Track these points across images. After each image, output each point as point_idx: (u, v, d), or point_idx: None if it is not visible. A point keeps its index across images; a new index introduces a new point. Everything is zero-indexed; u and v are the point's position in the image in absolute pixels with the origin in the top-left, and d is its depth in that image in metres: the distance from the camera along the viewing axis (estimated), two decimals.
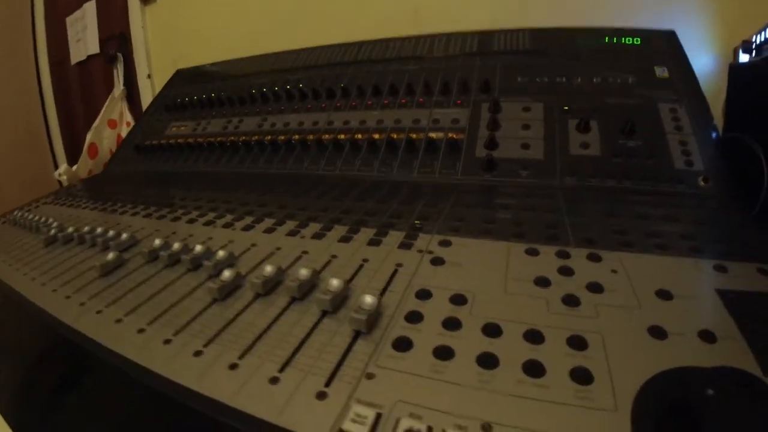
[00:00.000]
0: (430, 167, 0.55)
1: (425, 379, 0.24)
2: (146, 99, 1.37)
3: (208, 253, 0.41)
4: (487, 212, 0.44)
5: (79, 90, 1.68)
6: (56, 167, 1.87)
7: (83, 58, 1.57)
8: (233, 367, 0.27)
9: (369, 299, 0.29)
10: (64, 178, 1.13)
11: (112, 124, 1.34)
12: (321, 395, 0.24)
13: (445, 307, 0.29)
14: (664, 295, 0.30)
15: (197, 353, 0.29)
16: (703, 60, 0.67)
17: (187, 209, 0.56)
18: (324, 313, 0.31)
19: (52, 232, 0.55)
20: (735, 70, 0.60)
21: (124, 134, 1.35)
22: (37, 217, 0.64)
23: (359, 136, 0.62)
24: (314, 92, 0.74)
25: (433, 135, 0.58)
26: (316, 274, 0.34)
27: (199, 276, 0.39)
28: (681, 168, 0.49)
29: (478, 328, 0.27)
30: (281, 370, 0.26)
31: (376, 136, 0.61)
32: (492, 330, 0.27)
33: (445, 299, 0.30)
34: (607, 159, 0.50)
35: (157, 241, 0.45)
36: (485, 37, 0.71)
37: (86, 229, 0.52)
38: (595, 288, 0.31)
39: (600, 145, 0.51)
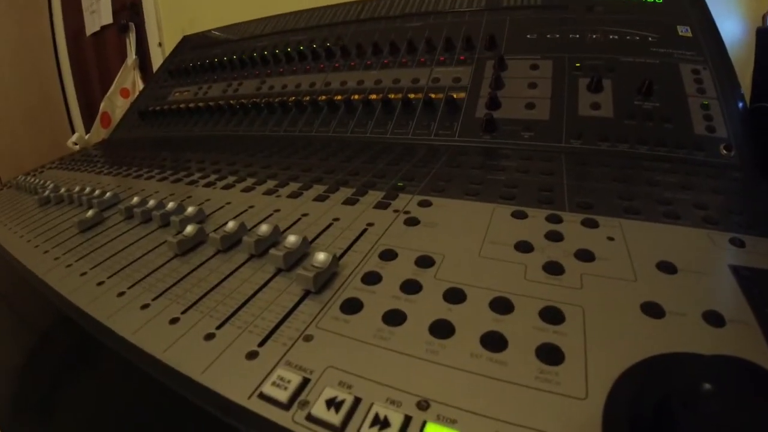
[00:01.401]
0: (426, 128, 0.51)
1: (366, 345, 0.21)
2: (158, 67, 1.36)
3: (179, 209, 0.39)
4: (479, 173, 0.40)
5: (95, 60, 1.69)
6: (72, 131, 1.91)
7: (97, 29, 1.57)
8: (174, 321, 0.25)
9: (321, 257, 0.26)
10: (76, 146, 1.14)
11: (124, 93, 1.34)
12: (251, 355, 0.21)
13: (408, 269, 0.26)
14: (666, 267, 0.25)
15: (144, 306, 0.28)
16: (730, 25, 0.60)
17: (176, 170, 0.54)
18: (278, 271, 0.28)
19: (47, 193, 0.55)
20: (764, 34, 0.53)
21: None
22: (37, 181, 0.64)
23: (355, 96, 0.58)
24: (313, 53, 0.70)
25: (432, 95, 0.53)
26: (278, 232, 0.32)
27: (169, 232, 0.37)
28: (701, 134, 0.43)
29: (439, 293, 0.24)
30: (219, 326, 0.24)
31: (373, 96, 0.57)
32: (454, 295, 0.24)
33: (411, 261, 0.27)
34: (620, 121, 0.45)
35: (135, 199, 0.43)
36: None
37: (76, 189, 0.51)
38: (584, 256, 0.27)
39: (613, 106, 0.46)
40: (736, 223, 0.30)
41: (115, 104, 1.31)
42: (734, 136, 0.43)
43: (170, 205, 0.39)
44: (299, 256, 0.29)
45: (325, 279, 0.26)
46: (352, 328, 0.22)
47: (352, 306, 0.24)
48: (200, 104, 0.75)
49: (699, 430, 0.15)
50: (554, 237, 0.29)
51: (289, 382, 0.19)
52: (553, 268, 0.26)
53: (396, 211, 0.34)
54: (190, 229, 0.33)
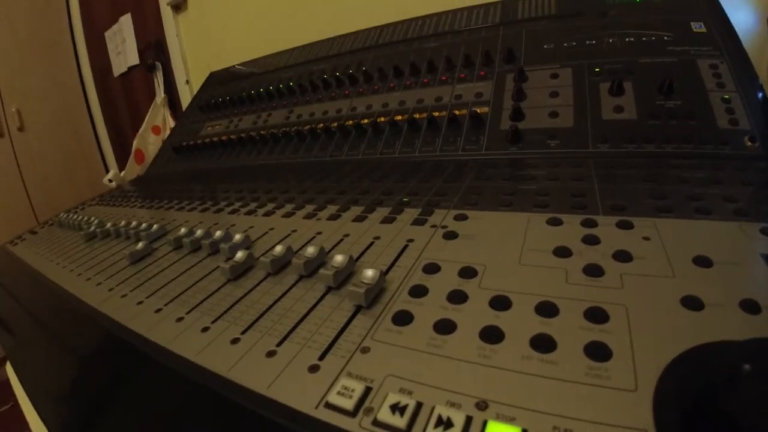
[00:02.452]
0: (453, 144, 0.52)
1: (421, 354, 0.22)
2: (186, 104, 1.41)
3: (227, 237, 0.41)
4: (509, 184, 0.41)
5: (124, 99, 1.78)
6: (107, 171, 2.00)
7: (124, 70, 1.65)
8: (235, 341, 0.27)
9: (370, 273, 0.27)
10: (113, 183, 1.20)
11: (156, 131, 1.41)
12: (313, 368, 0.23)
13: (452, 281, 0.27)
14: (702, 262, 0.26)
15: (204, 329, 0.29)
16: (741, 15, 0.59)
17: (216, 201, 0.57)
18: (328, 289, 0.30)
19: (92, 228, 0.58)
20: None
21: None
22: (80, 217, 0.67)
23: (381, 119, 0.60)
24: (337, 80, 0.73)
25: (456, 111, 0.55)
26: (324, 252, 0.33)
27: (218, 260, 0.39)
28: (725, 128, 0.44)
29: (485, 301, 0.25)
30: (279, 344, 0.26)
31: (398, 117, 0.59)
32: (500, 303, 0.25)
33: (454, 273, 0.28)
34: (644, 122, 0.46)
35: (183, 230, 0.46)
36: (509, 5, 0.67)
37: (122, 223, 0.55)
38: (622, 257, 0.27)
39: (636, 107, 0.47)
40: (766, 214, 0.30)
41: (148, 141, 1.37)
42: (757, 127, 0.43)
43: (217, 233, 0.42)
44: (347, 274, 0.30)
45: (375, 294, 0.27)
46: (405, 338, 0.23)
47: (403, 318, 0.25)
48: (232, 136, 0.79)
49: (744, 410, 0.15)
50: (591, 241, 0.30)
51: (353, 390, 0.20)
52: (593, 271, 0.26)
53: (434, 226, 0.35)
54: (240, 255, 0.35)
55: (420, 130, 0.56)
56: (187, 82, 1.39)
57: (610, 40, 0.53)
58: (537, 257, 0.29)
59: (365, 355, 0.23)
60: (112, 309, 0.36)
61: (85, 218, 0.65)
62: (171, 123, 1.42)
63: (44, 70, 1.91)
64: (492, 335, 0.23)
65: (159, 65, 1.45)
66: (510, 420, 0.18)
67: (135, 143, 1.34)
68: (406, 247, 0.33)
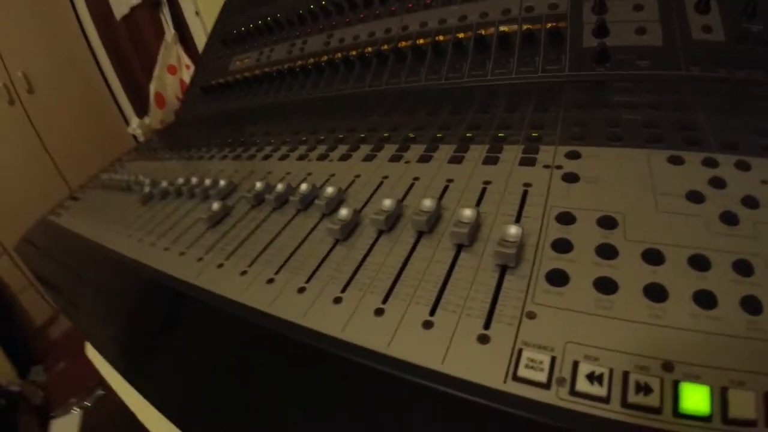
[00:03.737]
0: (531, 65, 0.49)
1: (592, 317, 0.23)
2: (199, 38, 1.33)
3: (315, 190, 0.40)
4: (611, 113, 0.39)
5: (130, 43, 1.67)
6: (126, 121, 1.96)
7: (126, 11, 1.52)
8: (379, 312, 0.27)
9: (513, 230, 0.27)
10: (138, 132, 1.17)
11: (172, 70, 1.33)
12: (483, 338, 0.23)
13: (595, 232, 0.27)
14: None
15: (336, 300, 0.29)
16: None
17: (277, 146, 0.55)
18: (460, 247, 0.30)
19: (147, 189, 0.55)
20: None
21: (186, 78, 1.36)
22: (126, 177, 0.64)
23: (441, 38, 0.56)
24: None
25: (528, 26, 0.51)
26: (439, 205, 0.33)
27: (311, 216, 0.39)
28: None
29: (638, 255, 0.25)
30: (432, 313, 0.26)
31: (461, 35, 0.55)
32: (653, 256, 0.25)
33: (593, 222, 0.28)
34: (732, 45, 0.42)
35: (259, 184, 0.44)
36: None
37: (181, 181, 0.53)
38: (750, 203, 0.27)
39: (723, 28, 0.43)
40: None
41: (166, 83, 1.31)
42: None
43: (303, 187, 0.40)
44: (476, 228, 0.30)
45: (520, 252, 0.27)
46: (568, 300, 0.24)
47: (558, 277, 0.25)
48: (266, 69, 0.74)
49: None
50: (718, 184, 0.29)
51: (541, 362, 0.21)
52: (729, 218, 0.27)
53: (547, 166, 0.34)
54: (344, 212, 0.35)
55: (489, 49, 0.53)
56: (197, 13, 1.28)
57: None
58: (673, 203, 0.28)
59: (533, 321, 0.23)
60: (213, 282, 0.36)
61: (133, 177, 0.63)
62: (186, 60, 1.34)
63: (43, 26, 1.80)
64: (656, 293, 0.23)
65: (164, 0, 1.33)
66: (696, 378, 0.20)
67: (153, 87, 1.27)
68: (526, 192, 0.32)
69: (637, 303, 0.23)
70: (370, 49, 0.62)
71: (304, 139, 0.54)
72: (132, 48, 1.68)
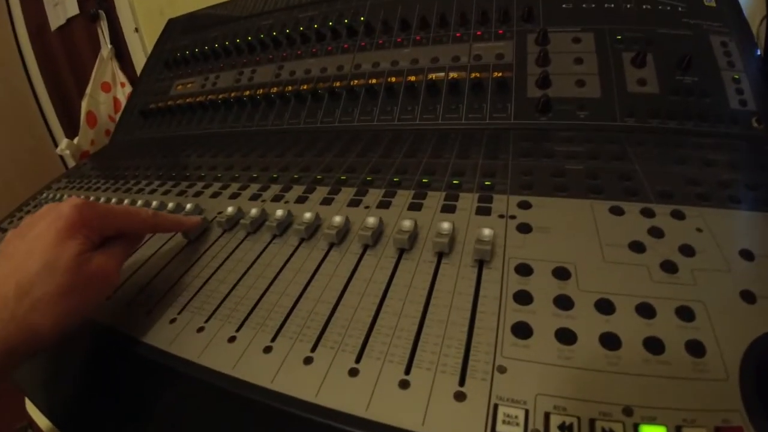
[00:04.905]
0: (478, 111, 0.53)
1: (557, 368, 0.25)
2: (137, 55, 1.29)
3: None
4: (555, 163, 0.43)
5: (64, 56, 1.57)
6: (53, 139, 1.83)
7: (63, 22, 1.44)
8: (354, 372, 0.27)
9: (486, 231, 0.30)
10: (67, 153, 1.09)
11: (105, 87, 1.27)
12: (459, 396, 0.24)
13: (551, 283, 0.30)
14: (746, 255, 0.31)
15: (307, 360, 0.29)
16: None
17: (217, 180, 0.55)
18: (429, 298, 0.31)
19: None
20: None
21: (120, 96, 1.29)
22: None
23: (392, 79, 0.59)
24: (333, 31, 0.68)
25: (477, 74, 0.55)
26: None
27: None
28: (736, 108, 0.48)
29: (591, 305, 0.28)
30: (407, 371, 0.26)
31: (412, 78, 0.58)
32: (605, 306, 0.28)
33: (548, 273, 0.31)
34: (666, 97, 0.48)
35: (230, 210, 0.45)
36: None
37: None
38: (687, 251, 0.31)
39: (657, 81, 0.49)
40: None
41: (99, 101, 1.24)
42: (762, 108, 0.47)
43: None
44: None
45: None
46: (534, 352, 0.26)
47: (523, 330, 0.27)
48: (211, 97, 0.73)
49: None
50: (657, 234, 0.33)
51: (516, 417, 0.23)
52: (669, 267, 0.30)
53: (501, 216, 0.37)
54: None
55: (440, 94, 0.56)
56: (137, 30, 1.24)
57: (628, 6, 0.54)
58: (617, 253, 0.32)
59: (504, 375, 0.25)
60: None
61: None
62: (121, 77, 1.28)
63: None
64: (611, 342, 0.26)
65: (102, 13, 1.27)
66: (652, 420, 0.22)
67: (85, 105, 1.20)
68: None
69: (595, 352, 0.25)
70: (322, 84, 0.64)
71: (255, 176, 0.53)
72: (66, 62, 1.58)
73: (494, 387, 0.24)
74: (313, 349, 0.29)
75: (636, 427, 0.22)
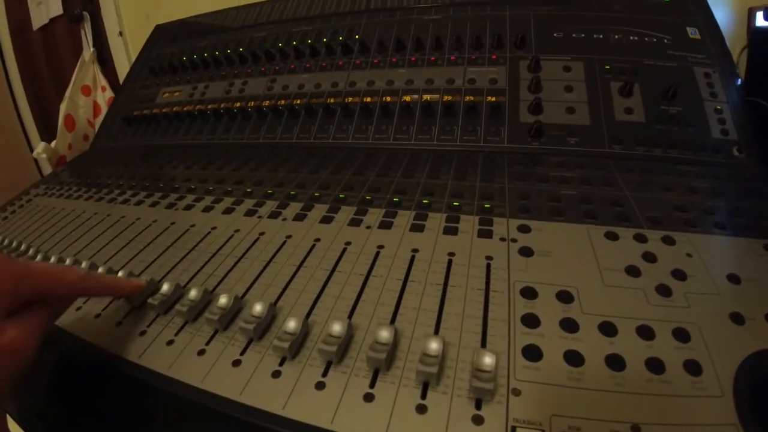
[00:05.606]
0: (474, 134, 0.55)
1: (567, 389, 0.26)
2: (119, 59, 1.28)
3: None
4: (550, 187, 0.45)
5: (44, 57, 1.54)
6: (28, 141, 1.77)
7: (46, 21, 1.42)
8: (369, 397, 0.28)
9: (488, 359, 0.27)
10: (43, 156, 1.06)
11: (86, 91, 1.24)
12: (477, 419, 0.25)
13: (556, 306, 0.31)
14: (734, 279, 0.33)
15: (319, 385, 0.29)
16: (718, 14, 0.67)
17: (210, 193, 0.55)
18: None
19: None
20: (755, 34, 0.61)
21: (100, 101, 1.27)
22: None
23: (388, 98, 0.60)
24: (328, 48, 0.70)
25: (470, 97, 0.57)
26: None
27: None
28: (717, 137, 0.51)
29: (595, 328, 0.30)
30: (423, 396, 0.27)
31: (407, 98, 0.60)
32: (608, 329, 0.30)
33: (552, 297, 0.32)
34: (651, 126, 0.52)
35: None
36: None
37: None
38: (679, 275, 0.34)
39: (644, 110, 0.53)
40: (764, 228, 0.39)
41: (78, 104, 1.22)
42: (743, 138, 0.51)
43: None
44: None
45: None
46: (545, 375, 0.27)
47: (533, 353, 0.29)
48: (199, 107, 0.73)
49: None
50: (650, 258, 0.35)
51: None
52: (664, 291, 0.32)
53: (503, 239, 0.38)
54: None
55: (435, 115, 0.58)
56: (121, 33, 1.23)
57: (616, 37, 0.58)
58: (615, 277, 0.34)
59: (519, 398, 0.26)
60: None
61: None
62: (102, 81, 1.26)
63: None
64: (616, 363, 0.28)
65: (87, 15, 1.25)
66: None
67: (64, 108, 1.17)
68: (489, 266, 0.36)
69: (602, 373, 0.27)
70: (316, 100, 0.65)
71: (249, 191, 0.53)
72: (45, 63, 1.54)
73: (510, 409, 0.26)
74: (325, 374, 0.30)
75: None
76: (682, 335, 0.29)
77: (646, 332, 0.29)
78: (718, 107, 0.53)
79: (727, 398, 0.26)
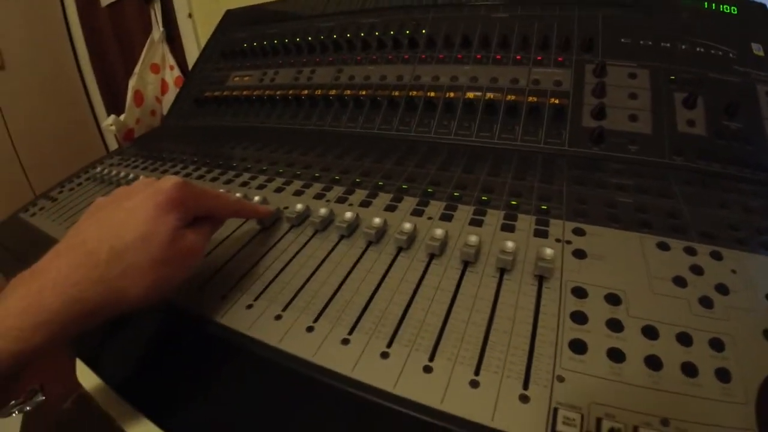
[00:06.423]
0: (534, 134, 0.58)
1: (607, 381, 0.30)
2: (188, 40, 1.36)
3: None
4: (607, 194, 0.48)
5: (112, 33, 1.64)
6: (93, 113, 1.92)
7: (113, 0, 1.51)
8: (428, 369, 0.32)
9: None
10: (112, 128, 1.16)
11: (154, 69, 1.34)
12: (524, 398, 0.30)
13: (604, 307, 0.35)
14: None
15: (384, 354, 0.34)
16: None
17: (281, 175, 0.60)
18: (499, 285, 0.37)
19: None
20: None
21: (168, 79, 1.36)
22: (125, 175, 0.67)
23: (451, 94, 0.64)
24: (394, 41, 0.73)
25: (534, 98, 0.60)
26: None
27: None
28: None
29: (639, 330, 0.33)
30: (477, 372, 0.32)
31: (470, 95, 0.63)
32: (650, 332, 0.33)
33: (601, 298, 0.36)
34: (712, 140, 0.53)
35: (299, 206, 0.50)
36: None
37: None
38: (722, 290, 0.36)
39: (705, 124, 0.54)
40: None
41: (147, 81, 1.31)
42: None
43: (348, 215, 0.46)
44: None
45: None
46: (588, 367, 0.31)
47: (578, 346, 0.33)
48: (269, 92, 0.79)
49: None
50: (697, 271, 0.38)
51: (573, 419, 0.28)
52: (707, 303, 0.35)
53: (558, 240, 0.42)
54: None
55: (497, 113, 0.61)
56: (190, 15, 1.30)
57: (683, 47, 0.59)
58: (663, 286, 0.37)
59: (563, 384, 0.30)
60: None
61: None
62: (171, 60, 1.35)
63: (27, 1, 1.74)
64: (654, 363, 0.31)
65: None
66: None
67: (133, 83, 1.27)
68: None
69: (640, 371, 0.31)
70: (381, 92, 0.69)
71: (317, 175, 0.59)
72: (113, 39, 1.65)
73: (554, 393, 0.30)
74: (389, 345, 0.35)
75: None
76: (717, 345, 0.32)
77: (685, 339, 0.33)
78: None
79: (750, 406, 0.29)
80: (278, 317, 0.39)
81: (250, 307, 0.41)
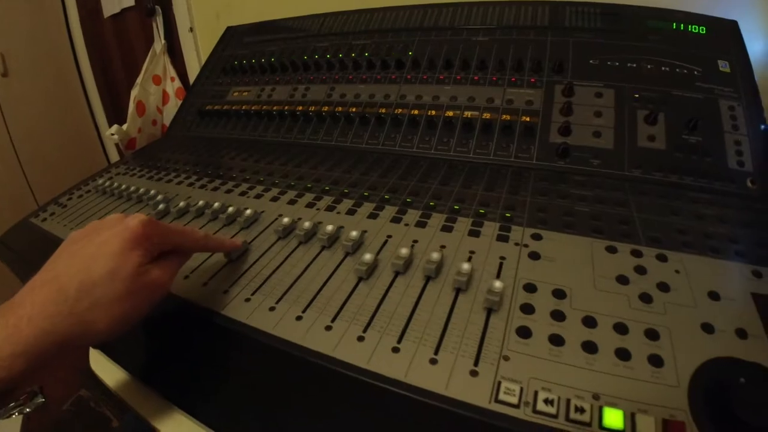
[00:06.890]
0: (506, 150, 0.64)
1: (546, 361, 0.35)
2: (188, 53, 1.43)
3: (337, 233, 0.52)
4: (567, 203, 0.53)
5: (116, 44, 1.71)
6: (94, 122, 1.99)
7: (117, 11, 1.59)
8: (396, 350, 0.38)
9: (497, 284, 0.40)
10: (115, 138, 1.22)
11: (156, 80, 1.40)
12: (473, 373, 0.35)
13: (550, 301, 0.40)
14: (713, 296, 0.40)
15: (360, 338, 0.40)
16: (756, 47, 0.70)
17: (276, 186, 0.66)
18: (458, 292, 0.42)
19: (161, 206, 0.64)
20: None
21: (169, 90, 1.43)
22: (134, 190, 0.72)
23: (433, 112, 0.70)
24: (383, 62, 0.80)
25: (507, 116, 0.66)
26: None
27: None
28: (733, 168, 0.57)
29: (579, 320, 0.38)
30: (436, 352, 0.37)
31: (450, 113, 0.69)
32: (590, 322, 0.38)
33: (549, 293, 0.41)
34: (671, 153, 0.59)
35: (286, 219, 0.55)
36: (556, 8, 0.75)
37: (201, 203, 0.62)
38: (663, 287, 0.41)
39: (665, 138, 0.60)
40: (757, 257, 0.45)
41: (149, 92, 1.38)
42: (758, 170, 0.57)
43: (329, 228, 0.52)
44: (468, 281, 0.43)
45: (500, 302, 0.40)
46: (531, 349, 0.36)
47: (524, 332, 0.38)
48: (266, 107, 0.85)
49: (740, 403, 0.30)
50: (641, 271, 0.43)
51: (513, 390, 0.33)
52: (646, 298, 0.40)
53: (517, 244, 0.47)
54: (368, 257, 0.46)
55: (473, 130, 0.67)
56: (191, 29, 1.38)
57: (649, 67, 0.65)
58: (606, 283, 0.42)
59: (507, 363, 0.36)
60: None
61: (142, 189, 0.71)
62: (172, 72, 1.42)
63: (26, 7, 1.83)
64: (590, 347, 0.36)
65: (159, 9, 1.41)
66: (614, 405, 0.32)
67: (135, 94, 1.34)
68: (501, 264, 0.45)
69: (577, 354, 0.36)
70: (369, 109, 0.75)
71: (309, 186, 0.64)
72: (116, 50, 1.72)
73: (500, 369, 0.35)
74: (365, 330, 0.40)
75: (600, 408, 0.32)
76: (652, 335, 0.37)
77: (621, 328, 0.38)
78: (738, 139, 0.59)
79: (682, 389, 0.33)
80: (298, 318, 0.45)
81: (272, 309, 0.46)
